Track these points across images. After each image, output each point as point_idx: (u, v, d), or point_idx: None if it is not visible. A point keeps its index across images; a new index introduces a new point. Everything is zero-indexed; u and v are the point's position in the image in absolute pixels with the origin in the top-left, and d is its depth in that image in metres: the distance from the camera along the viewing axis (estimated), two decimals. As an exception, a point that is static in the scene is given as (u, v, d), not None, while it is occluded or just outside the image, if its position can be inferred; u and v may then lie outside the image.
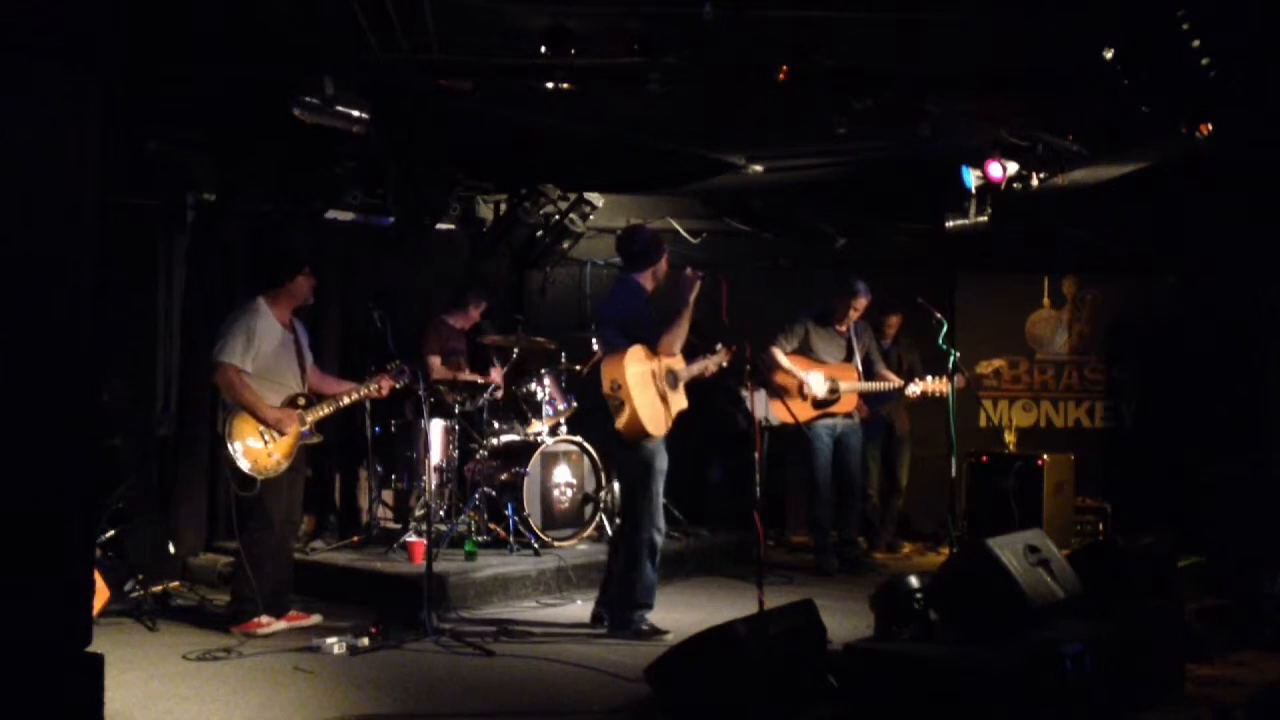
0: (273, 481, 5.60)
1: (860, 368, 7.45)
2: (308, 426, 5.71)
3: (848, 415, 7.46)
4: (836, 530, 7.58)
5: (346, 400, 5.90)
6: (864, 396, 7.57)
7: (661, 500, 5.64)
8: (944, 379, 7.19)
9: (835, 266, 8.91)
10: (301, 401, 5.72)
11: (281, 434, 5.58)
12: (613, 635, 5.57)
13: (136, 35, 4.74)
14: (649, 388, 5.54)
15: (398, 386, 6.07)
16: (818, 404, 7.33)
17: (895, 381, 7.44)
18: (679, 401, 5.72)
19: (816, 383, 7.28)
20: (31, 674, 3.15)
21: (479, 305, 7.84)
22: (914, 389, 7.37)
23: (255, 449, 5.51)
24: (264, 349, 5.60)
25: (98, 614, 5.30)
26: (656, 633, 5.52)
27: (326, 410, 5.79)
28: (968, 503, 7.81)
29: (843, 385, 7.33)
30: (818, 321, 7.47)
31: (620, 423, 5.52)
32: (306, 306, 5.97)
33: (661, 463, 5.61)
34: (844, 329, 7.50)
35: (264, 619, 5.57)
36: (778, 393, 7.37)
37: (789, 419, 7.27)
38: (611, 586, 5.77)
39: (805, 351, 7.40)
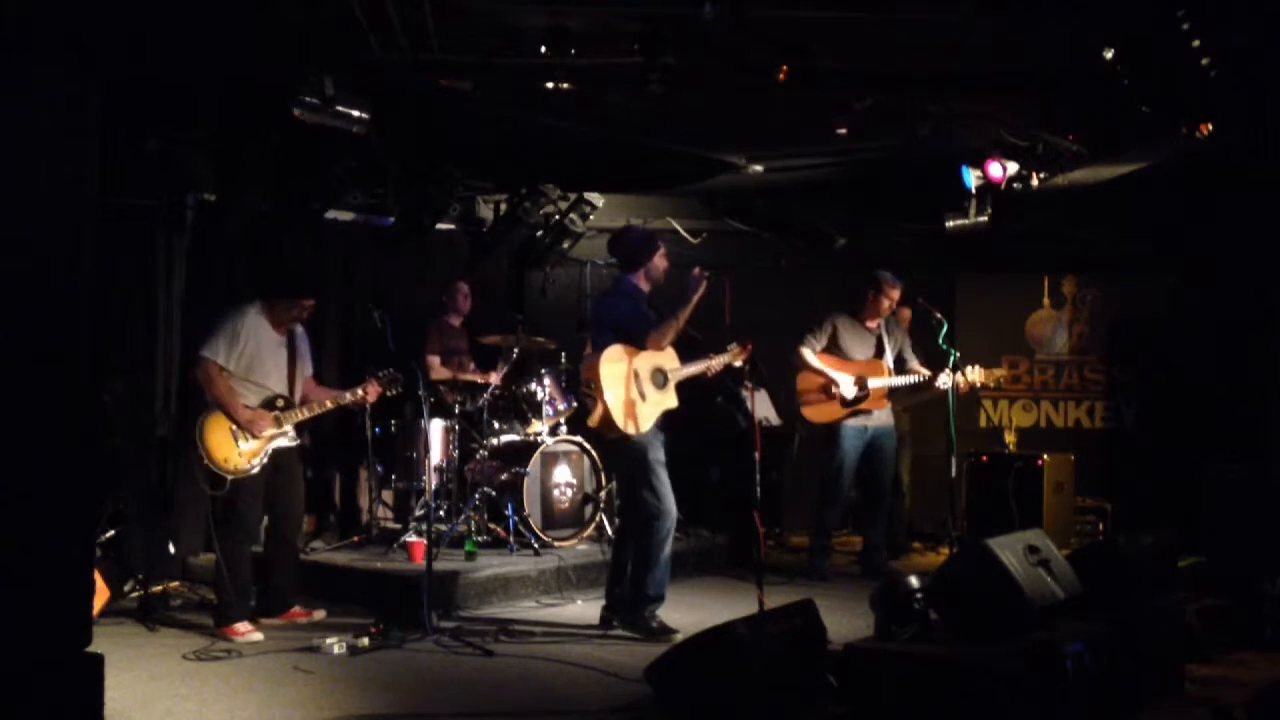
0: (246, 483, 5.61)
1: (891, 365, 7.28)
2: (284, 428, 5.72)
3: (883, 415, 7.29)
4: (864, 536, 7.51)
5: (330, 404, 5.91)
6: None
7: (668, 491, 5.61)
8: (952, 369, 7.13)
9: (835, 266, 8.92)
10: (280, 403, 5.73)
11: (253, 434, 5.59)
12: (626, 631, 5.58)
13: (136, 36, 4.74)
14: (623, 386, 5.53)
15: (388, 395, 6.09)
16: (847, 403, 7.23)
17: (926, 372, 7.26)
18: (665, 400, 5.69)
19: (846, 383, 7.15)
20: (31, 674, 3.16)
21: (464, 292, 7.82)
22: (944, 381, 7.15)
23: (226, 447, 5.53)
24: (249, 351, 5.63)
25: (98, 614, 5.32)
26: (666, 631, 5.52)
27: (305, 414, 5.80)
28: (968, 503, 7.80)
29: (872, 382, 7.19)
30: (847, 319, 7.34)
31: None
32: (298, 322, 5.97)
33: (656, 453, 5.61)
34: (875, 325, 7.35)
35: (240, 626, 5.55)
36: (805, 392, 7.29)
37: (820, 420, 7.22)
38: (617, 586, 5.78)
39: (834, 349, 7.26)
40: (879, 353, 7.34)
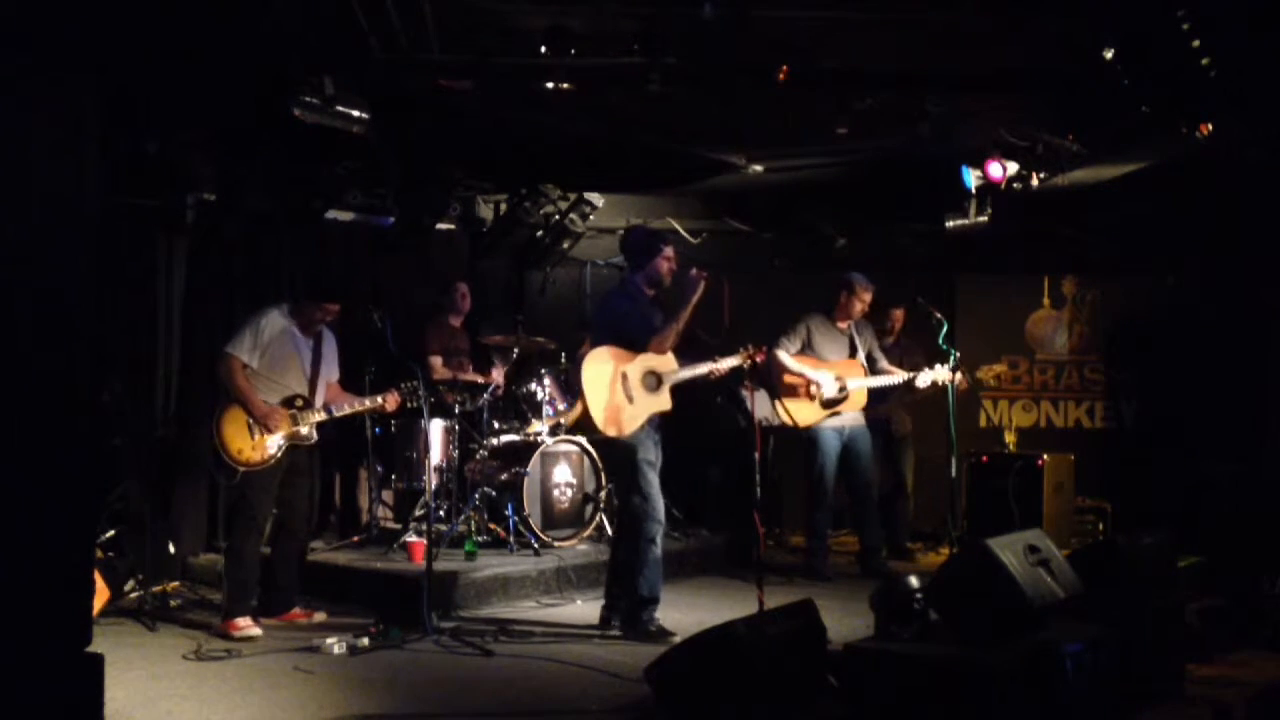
0: (257, 478, 5.65)
1: (864, 364, 7.34)
2: (299, 427, 5.74)
3: (856, 416, 7.32)
4: (859, 537, 7.52)
5: (348, 409, 5.97)
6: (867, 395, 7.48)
7: (656, 493, 5.61)
8: (951, 370, 7.14)
9: (835, 267, 8.90)
10: (298, 403, 5.78)
11: (268, 430, 5.63)
12: (625, 636, 5.58)
13: (136, 36, 4.74)
14: (608, 388, 5.51)
15: (409, 406, 6.17)
16: (826, 404, 7.22)
17: (902, 375, 7.30)
18: (656, 403, 5.65)
19: (827, 382, 7.16)
20: (31, 674, 3.15)
21: (463, 292, 7.82)
22: (924, 379, 7.20)
23: (240, 439, 5.61)
24: (271, 350, 5.71)
25: (98, 614, 5.32)
26: (665, 634, 5.51)
27: (322, 416, 5.85)
28: (968, 503, 7.79)
29: (851, 383, 7.21)
30: (820, 320, 7.36)
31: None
32: (320, 326, 6.00)
33: (647, 454, 5.59)
34: (845, 326, 7.39)
35: (241, 621, 5.57)
36: (783, 395, 7.28)
37: (791, 421, 7.21)
38: (615, 585, 5.78)
39: (808, 351, 7.27)
40: (852, 353, 7.37)
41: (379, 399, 6.03)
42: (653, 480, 5.61)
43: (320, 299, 5.87)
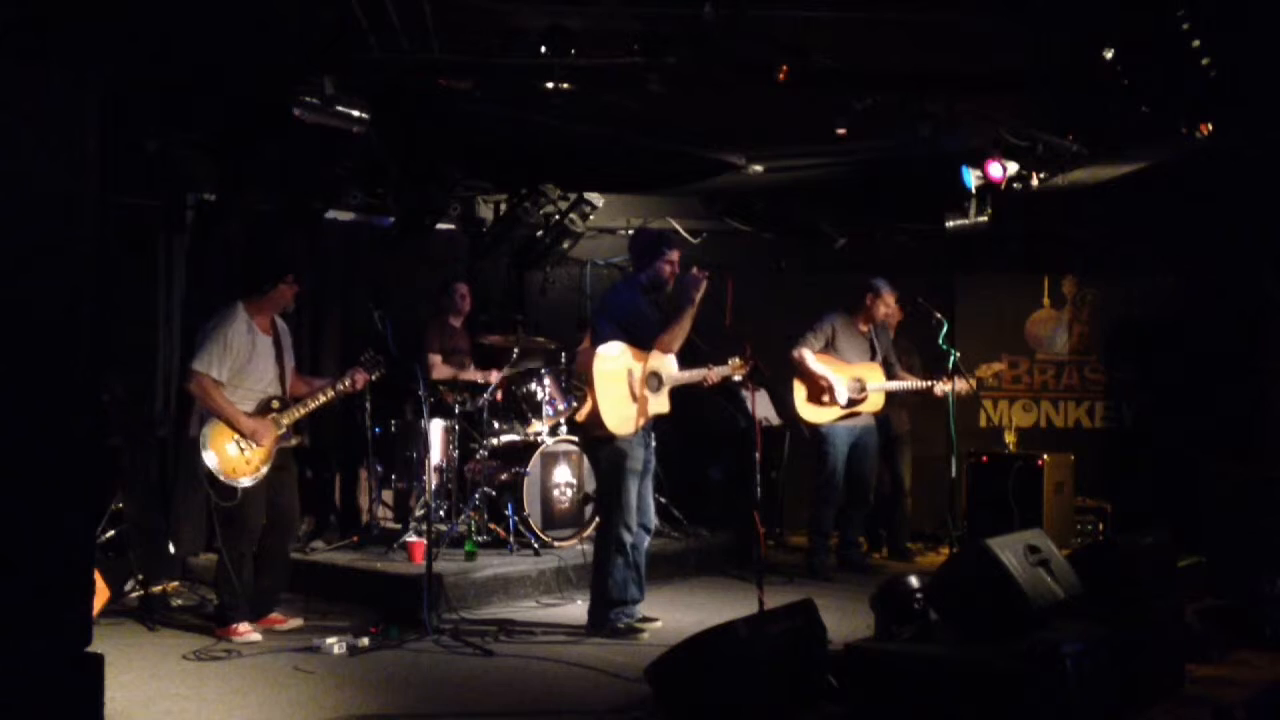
0: (251, 488, 5.58)
1: (882, 368, 7.39)
2: (284, 429, 5.70)
3: (868, 416, 7.34)
4: (839, 532, 7.56)
5: (322, 398, 5.86)
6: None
7: (634, 499, 5.58)
8: (952, 371, 7.17)
9: (836, 267, 8.92)
10: (276, 405, 5.70)
11: (259, 443, 5.56)
12: (590, 633, 5.57)
13: (136, 35, 4.74)
14: (616, 386, 5.50)
15: (373, 379, 6.03)
16: (846, 404, 7.23)
17: (922, 382, 7.36)
18: (657, 404, 5.65)
19: (842, 387, 7.18)
20: (32, 674, 3.15)
21: (462, 292, 7.82)
22: (943, 387, 7.26)
23: (233, 458, 5.50)
24: (239, 357, 5.59)
25: (98, 614, 5.30)
26: (633, 631, 5.51)
27: (302, 411, 5.77)
28: (968, 503, 7.80)
29: (871, 385, 7.25)
30: (843, 321, 7.39)
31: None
32: (289, 310, 5.96)
33: (634, 462, 5.57)
34: (866, 329, 7.43)
35: (241, 626, 5.53)
36: (805, 392, 7.30)
37: (803, 419, 7.23)
38: None
39: (831, 350, 7.30)
40: (872, 355, 7.40)
41: (346, 381, 5.87)
42: (633, 489, 5.57)
43: (280, 273, 5.71)
